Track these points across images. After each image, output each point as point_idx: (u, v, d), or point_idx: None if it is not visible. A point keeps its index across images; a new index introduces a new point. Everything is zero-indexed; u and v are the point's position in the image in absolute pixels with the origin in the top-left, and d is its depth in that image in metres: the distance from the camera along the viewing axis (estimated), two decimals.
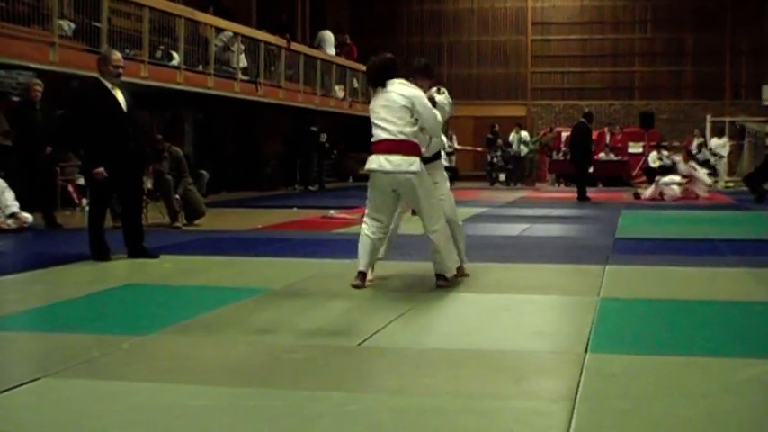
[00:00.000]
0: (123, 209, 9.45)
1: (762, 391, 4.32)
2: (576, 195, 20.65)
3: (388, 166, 7.08)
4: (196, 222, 13.24)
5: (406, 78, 7.33)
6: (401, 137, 7.08)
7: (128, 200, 9.29)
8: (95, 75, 9.23)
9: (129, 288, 7.53)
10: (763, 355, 5.04)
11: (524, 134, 29.03)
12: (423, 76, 7.60)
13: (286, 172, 26.33)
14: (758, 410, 3.99)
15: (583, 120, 21.43)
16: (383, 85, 7.25)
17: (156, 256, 9.13)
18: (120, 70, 9.13)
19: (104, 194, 9.21)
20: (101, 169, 8.84)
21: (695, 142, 28.12)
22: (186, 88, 18.81)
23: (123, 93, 9.09)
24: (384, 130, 7.15)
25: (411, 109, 7.09)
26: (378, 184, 7.26)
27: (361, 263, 7.32)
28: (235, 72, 20.92)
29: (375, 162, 7.17)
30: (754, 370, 4.67)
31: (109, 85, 8.99)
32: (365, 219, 7.42)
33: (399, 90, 7.17)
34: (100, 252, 8.96)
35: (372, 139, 7.25)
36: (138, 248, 9.14)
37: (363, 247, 7.32)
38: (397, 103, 7.11)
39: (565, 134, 27.32)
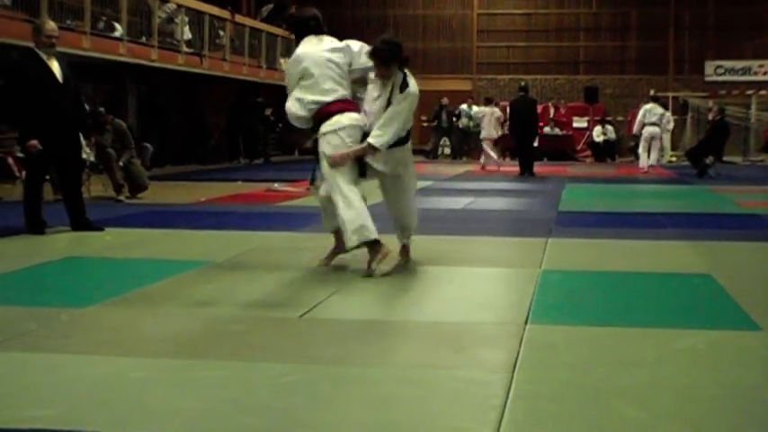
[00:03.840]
0: (62, 181, 9.35)
1: (697, 361, 4.38)
2: (518, 170, 20.71)
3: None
4: (139, 195, 13.13)
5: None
6: None
7: (66, 172, 9.17)
8: (32, 45, 9.05)
9: (69, 261, 7.45)
10: (699, 325, 5.12)
11: (476, 109, 28.72)
12: None
13: (230, 145, 26.17)
14: (693, 379, 4.04)
15: (522, 93, 21.38)
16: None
17: (101, 229, 9.04)
18: (54, 40, 8.93)
19: (39, 167, 9.05)
20: (34, 141, 8.70)
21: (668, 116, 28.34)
22: (129, 60, 18.61)
23: (60, 64, 8.94)
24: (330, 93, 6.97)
25: None
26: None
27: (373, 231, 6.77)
28: (179, 44, 20.72)
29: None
30: (690, 340, 4.74)
31: (44, 56, 8.83)
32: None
33: None
34: (34, 226, 8.84)
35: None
36: (80, 221, 9.04)
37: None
38: None
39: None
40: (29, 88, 8.76)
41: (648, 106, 22.58)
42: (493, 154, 23.45)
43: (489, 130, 23.76)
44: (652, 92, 29.69)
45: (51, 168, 9.53)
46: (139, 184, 13.27)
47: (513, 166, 22.30)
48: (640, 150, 22.79)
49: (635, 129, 22.80)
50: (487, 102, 25.28)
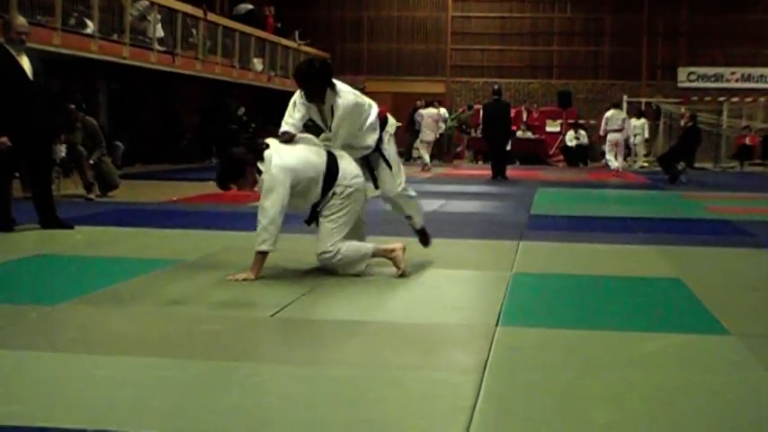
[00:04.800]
0: (31, 179, 9.27)
1: (665, 363, 4.40)
2: (490, 173, 20.78)
3: None
4: (110, 194, 13.06)
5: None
6: None
7: (36, 170, 9.10)
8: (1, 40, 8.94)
9: (38, 259, 7.40)
10: (667, 329, 5.15)
11: (443, 111, 28.98)
12: None
13: (203, 144, 26.09)
14: (662, 382, 4.06)
15: (496, 97, 21.43)
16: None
17: (71, 227, 8.98)
18: (24, 36, 8.80)
19: (9, 165, 8.95)
20: (4, 138, 8.61)
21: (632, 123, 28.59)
22: (101, 57, 18.49)
23: (30, 60, 8.85)
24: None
25: None
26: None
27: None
28: (151, 42, 20.62)
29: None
30: (658, 343, 4.77)
31: (14, 52, 8.74)
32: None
33: None
34: (2, 223, 8.76)
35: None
36: (50, 219, 8.98)
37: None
38: None
39: None
40: (2, 84, 8.66)
41: (610, 113, 22.96)
42: (426, 157, 23.59)
43: (426, 133, 23.92)
44: (625, 97, 29.91)
45: (21, 166, 9.44)
46: (110, 183, 13.21)
47: (485, 170, 22.36)
48: (608, 156, 23.23)
49: (601, 133, 23.26)
50: (427, 105, 25.39)
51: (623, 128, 23.01)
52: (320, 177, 6.52)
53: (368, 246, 6.75)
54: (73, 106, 13.70)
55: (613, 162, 23.12)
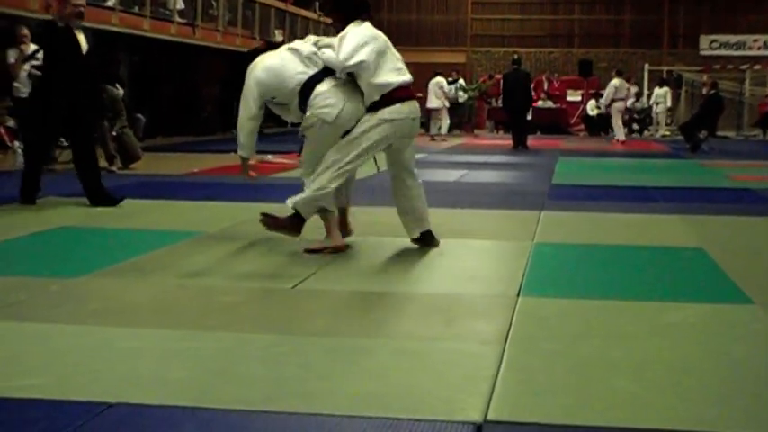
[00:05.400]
0: (76, 157, 9.11)
1: (687, 333, 4.38)
2: (511, 143, 20.73)
3: (417, 113, 6.67)
4: (132, 166, 13.08)
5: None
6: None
7: (81, 148, 8.92)
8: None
9: (60, 231, 7.42)
10: (690, 298, 5.12)
11: (461, 81, 28.89)
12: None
13: (223, 116, 26.06)
14: (684, 351, 4.04)
15: (515, 66, 21.34)
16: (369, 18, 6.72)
17: (120, 200, 8.88)
18: (82, 9, 8.68)
19: (46, 137, 8.86)
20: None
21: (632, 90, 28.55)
22: (121, 30, 18.49)
23: (86, 37, 8.74)
24: (403, 72, 6.58)
25: None
26: (404, 130, 6.56)
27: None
28: (171, 14, 20.60)
29: (409, 107, 6.55)
30: (681, 313, 4.74)
31: (71, 28, 8.57)
32: (339, 170, 6.40)
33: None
34: (28, 195, 8.75)
35: (394, 82, 6.45)
36: (98, 196, 8.82)
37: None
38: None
39: None
40: (59, 60, 8.55)
41: (618, 82, 23.06)
42: (433, 127, 24.14)
43: (432, 100, 23.99)
44: (647, 66, 29.68)
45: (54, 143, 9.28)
46: (132, 155, 13.20)
47: (506, 140, 22.29)
48: (618, 125, 23.43)
49: (604, 103, 23.38)
50: (436, 74, 25.37)
51: (627, 96, 23.34)
52: (296, 92, 6.44)
53: (325, 206, 6.45)
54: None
55: (622, 132, 23.38)
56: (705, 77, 25.84)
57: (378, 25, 6.93)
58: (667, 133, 27.59)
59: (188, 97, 24.87)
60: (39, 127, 8.87)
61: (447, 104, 24.52)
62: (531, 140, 21.50)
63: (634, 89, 28.03)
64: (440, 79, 24.49)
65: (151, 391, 3.40)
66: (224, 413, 3.19)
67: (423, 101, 29.38)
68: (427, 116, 26.54)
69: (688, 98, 30.66)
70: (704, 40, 32.86)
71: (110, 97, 13.33)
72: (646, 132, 28.46)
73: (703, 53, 32.69)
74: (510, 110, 21.36)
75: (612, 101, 23.15)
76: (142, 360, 3.81)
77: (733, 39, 32.69)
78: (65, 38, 8.60)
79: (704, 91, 22.30)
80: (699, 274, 5.93)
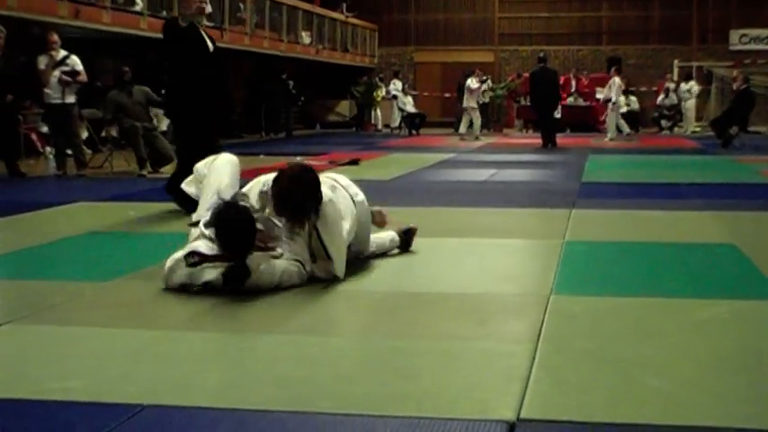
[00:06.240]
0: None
1: (720, 331, 4.36)
2: (540, 141, 20.68)
3: None
4: (161, 170, 13.12)
5: None
6: None
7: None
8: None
9: (92, 236, 7.48)
10: (722, 295, 5.10)
11: (488, 82, 28.67)
12: None
13: (252, 119, 26.17)
14: (716, 348, 4.03)
15: (542, 64, 21.29)
16: None
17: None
18: (204, 4, 8.46)
19: (203, 140, 8.27)
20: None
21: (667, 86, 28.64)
22: (149, 34, 18.57)
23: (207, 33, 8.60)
24: None
25: None
26: None
27: None
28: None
29: None
30: (713, 310, 4.72)
31: (196, 26, 8.45)
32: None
33: None
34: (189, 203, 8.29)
35: None
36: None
37: None
38: None
39: None
40: (190, 58, 8.41)
41: (618, 80, 23.28)
42: (462, 127, 24.30)
43: (466, 99, 24.00)
44: (676, 62, 29.50)
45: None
46: (164, 156, 13.13)
47: (535, 138, 22.24)
48: (621, 121, 23.63)
49: (612, 98, 23.27)
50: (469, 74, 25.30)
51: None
52: None
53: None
54: (126, 68, 13.83)
55: (626, 127, 23.93)
56: (735, 72, 25.68)
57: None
58: (698, 129, 27.43)
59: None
60: (194, 129, 8.51)
61: (475, 104, 24.49)
62: (561, 138, 21.43)
63: (684, 85, 28.18)
64: (472, 79, 24.46)
65: (184, 393, 3.43)
66: (257, 414, 3.21)
67: (452, 101, 29.49)
68: (457, 116, 26.66)
69: (719, 93, 30.43)
70: (734, 35, 32.57)
71: (141, 92, 13.47)
72: (676, 129, 28.31)
73: (733, 48, 32.39)
74: (537, 108, 21.33)
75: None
76: (177, 363, 3.83)
77: (763, 33, 32.37)
78: (192, 36, 8.41)
79: (734, 86, 22.13)
80: (731, 271, 5.89)
